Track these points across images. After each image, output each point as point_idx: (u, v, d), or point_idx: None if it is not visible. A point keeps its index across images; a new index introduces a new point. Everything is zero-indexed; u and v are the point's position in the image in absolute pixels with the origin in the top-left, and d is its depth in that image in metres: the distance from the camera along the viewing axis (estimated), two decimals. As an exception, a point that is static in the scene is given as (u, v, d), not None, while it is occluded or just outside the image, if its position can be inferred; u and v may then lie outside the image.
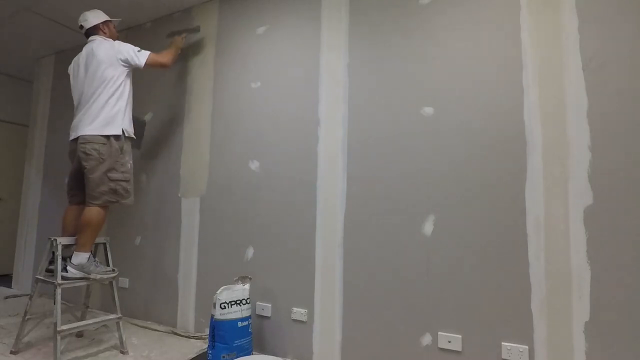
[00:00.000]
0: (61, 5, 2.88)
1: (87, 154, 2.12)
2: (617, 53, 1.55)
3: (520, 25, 1.73)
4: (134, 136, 2.31)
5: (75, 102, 2.29)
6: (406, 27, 2.00)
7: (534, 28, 1.71)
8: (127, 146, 2.26)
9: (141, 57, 2.32)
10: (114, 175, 2.17)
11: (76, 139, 2.19)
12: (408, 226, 1.89)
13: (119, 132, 2.19)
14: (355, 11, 2.16)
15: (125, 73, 2.29)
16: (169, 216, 2.73)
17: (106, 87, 2.19)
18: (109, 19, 2.42)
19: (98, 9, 2.44)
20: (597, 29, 1.59)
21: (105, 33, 2.38)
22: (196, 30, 2.69)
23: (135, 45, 2.38)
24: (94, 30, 2.36)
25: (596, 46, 1.59)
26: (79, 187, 2.27)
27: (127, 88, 2.30)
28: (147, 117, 2.94)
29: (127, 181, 2.23)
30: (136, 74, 2.40)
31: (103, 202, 2.15)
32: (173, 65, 2.56)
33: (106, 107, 2.18)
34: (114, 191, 2.18)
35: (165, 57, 2.45)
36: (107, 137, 2.16)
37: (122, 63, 2.26)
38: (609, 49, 1.56)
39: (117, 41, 2.34)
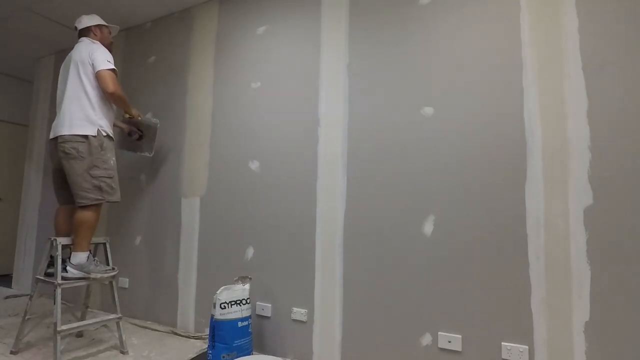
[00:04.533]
0: (61, 5, 2.88)
1: (66, 153, 2.10)
2: (617, 53, 1.55)
3: (520, 25, 1.73)
4: (111, 135, 2.25)
5: (57, 102, 2.27)
6: (406, 27, 2.00)
7: (534, 28, 1.71)
8: (108, 143, 2.21)
9: (103, 64, 2.17)
10: (95, 172, 2.14)
11: (55, 139, 2.17)
12: (408, 226, 1.89)
13: (94, 133, 2.14)
14: (355, 11, 2.16)
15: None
16: (169, 216, 2.73)
17: (83, 87, 2.17)
18: (104, 23, 2.40)
19: (98, 9, 2.45)
20: (597, 29, 1.59)
21: (95, 35, 2.36)
22: (155, 125, 2.63)
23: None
24: (86, 32, 2.35)
25: (596, 46, 1.59)
26: (64, 187, 2.25)
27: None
28: (148, 117, 2.94)
29: (110, 178, 2.19)
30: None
31: (90, 200, 2.11)
32: (112, 97, 2.22)
33: (81, 106, 2.15)
34: (99, 188, 2.14)
35: (117, 87, 2.21)
36: (85, 135, 2.12)
37: (91, 63, 2.21)
38: (609, 49, 1.56)
39: (98, 44, 2.30)
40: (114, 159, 2.25)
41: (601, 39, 1.58)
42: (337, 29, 2.20)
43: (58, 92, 2.29)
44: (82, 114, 2.15)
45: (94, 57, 2.20)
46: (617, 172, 1.51)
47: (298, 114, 2.27)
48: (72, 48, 2.32)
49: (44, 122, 3.74)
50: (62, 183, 2.25)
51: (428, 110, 1.90)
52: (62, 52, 3.67)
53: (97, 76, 2.18)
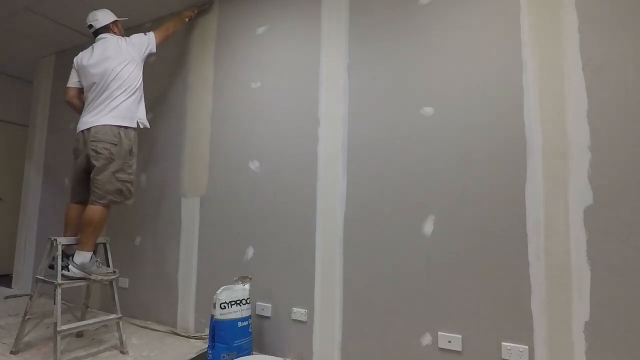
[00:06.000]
0: (61, 5, 2.88)
1: (98, 153, 2.14)
2: (617, 53, 1.55)
3: (520, 25, 1.73)
4: (148, 126, 2.38)
5: (88, 96, 2.26)
6: (406, 27, 2.00)
7: (534, 28, 1.71)
8: (135, 147, 2.30)
9: (152, 43, 2.43)
10: (121, 176, 2.20)
11: (84, 135, 2.19)
12: (408, 226, 1.89)
13: (134, 125, 2.27)
14: (355, 11, 2.16)
15: (142, 66, 2.39)
16: (169, 216, 2.73)
17: (128, 84, 2.25)
18: (117, 18, 2.45)
19: (99, 8, 2.44)
20: (597, 29, 1.59)
21: (115, 33, 2.40)
22: (208, 2, 2.73)
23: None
24: (105, 30, 2.38)
25: (596, 46, 1.59)
26: (83, 183, 2.27)
27: (141, 81, 2.37)
28: (148, 117, 2.93)
29: (131, 182, 2.27)
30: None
31: (108, 201, 2.17)
32: (178, 31, 2.68)
33: (126, 102, 2.24)
34: (120, 191, 2.21)
35: (169, 29, 2.56)
36: (119, 133, 2.18)
37: (146, 57, 2.40)
38: (609, 49, 1.56)
39: (130, 37, 2.38)
40: (135, 164, 2.34)
41: (601, 39, 1.58)
42: (337, 29, 2.20)
43: (90, 87, 2.26)
44: (124, 108, 2.23)
45: (147, 48, 2.40)
46: (617, 172, 1.51)
47: (298, 114, 2.27)
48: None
49: (44, 122, 3.74)
50: (82, 180, 2.28)
51: (428, 110, 1.90)
52: (62, 52, 3.67)
53: (159, 41, 2.48)
